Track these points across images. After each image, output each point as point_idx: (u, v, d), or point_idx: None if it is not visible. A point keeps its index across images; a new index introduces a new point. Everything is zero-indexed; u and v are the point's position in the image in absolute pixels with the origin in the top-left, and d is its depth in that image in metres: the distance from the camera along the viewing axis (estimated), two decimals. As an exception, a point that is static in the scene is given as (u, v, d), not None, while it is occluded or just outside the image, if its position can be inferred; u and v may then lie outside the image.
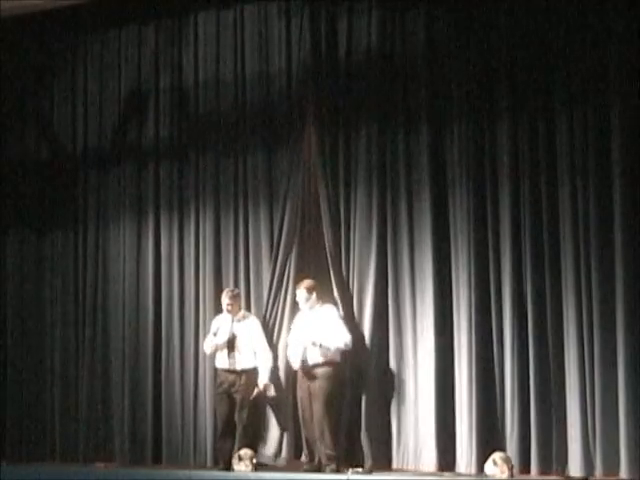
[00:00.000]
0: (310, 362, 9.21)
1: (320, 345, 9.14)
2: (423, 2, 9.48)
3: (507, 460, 8.49)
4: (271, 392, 9.60)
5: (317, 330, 9.23)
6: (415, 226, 9.39)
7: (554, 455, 8.58)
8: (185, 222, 10.50)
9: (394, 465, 9.21)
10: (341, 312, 9.45)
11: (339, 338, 9.22)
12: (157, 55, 10.81)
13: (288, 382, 9.69)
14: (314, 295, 9.42)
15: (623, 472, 8.20)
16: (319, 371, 9.19)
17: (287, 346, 9.57)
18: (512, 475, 8.43)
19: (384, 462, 9.22)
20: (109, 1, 10.86)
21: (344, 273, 9.64)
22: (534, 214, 8.87)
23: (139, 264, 10.69)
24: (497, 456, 8.49)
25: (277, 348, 9.77)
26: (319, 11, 9.97)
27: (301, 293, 9.48)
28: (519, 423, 8.72)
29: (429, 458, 9.03)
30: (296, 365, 9.35)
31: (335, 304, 9.51)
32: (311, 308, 9.44)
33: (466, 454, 8.88)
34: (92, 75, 11.14)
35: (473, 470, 8.78)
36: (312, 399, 9.19)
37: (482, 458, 8.67)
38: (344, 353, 9.27)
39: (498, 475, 8.40)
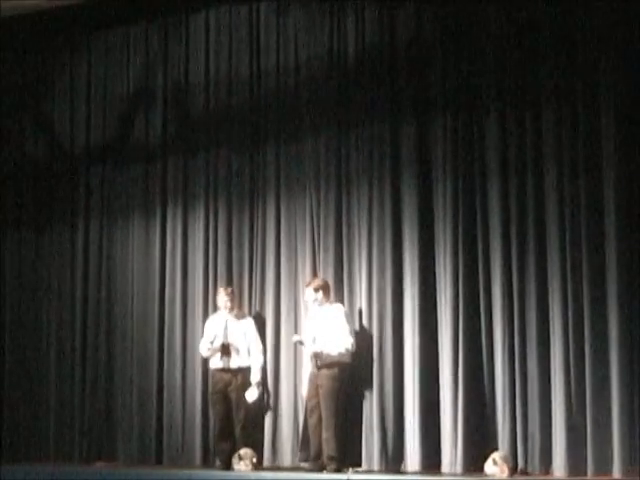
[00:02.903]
0: (318, 363, 9.21)
1: (322, 353, 9.16)
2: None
3: (507, 460, 8.49)
4: (259, 392, 9.62)
5: (324, 331, 9.24)
6: (401, 223, 9.40)
7: (540, 455, 8.57)
8: (196, 220, 10.47)
9: (393, 465, 9.22)
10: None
11: (343, 341, 9.21)
12: (166, 51, 10.82)
13: (290, 382, 9.75)
14: (321, 294, 9.40)
15: (616, 471, 8.19)
16: (328, 372, 9.18)
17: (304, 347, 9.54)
18: (512, 475, 8.45)
19: (384, 462, 9.22)
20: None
21: (335, 273, 9.67)
22: (521, 210, 8.85)
23: (148, 263, 10.67)
24: (497, 456, 8.49)
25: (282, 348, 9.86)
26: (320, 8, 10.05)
27: (309, 292, 9.47)
28: (510, 424, 8.70)
29: (421, 459, 9.01)
30: (307, 365, 9.39)
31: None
32: (320, 306, 9.41)
33: (454, 454, 8.85)
34: (96, 72, 11.14)
35: (459, 469, 8.81)
36: (320, 400, 9.17)
37: (474, 458, 8.72)
38: (352, 354, 9.27)
39: (498, 475, 8.39)
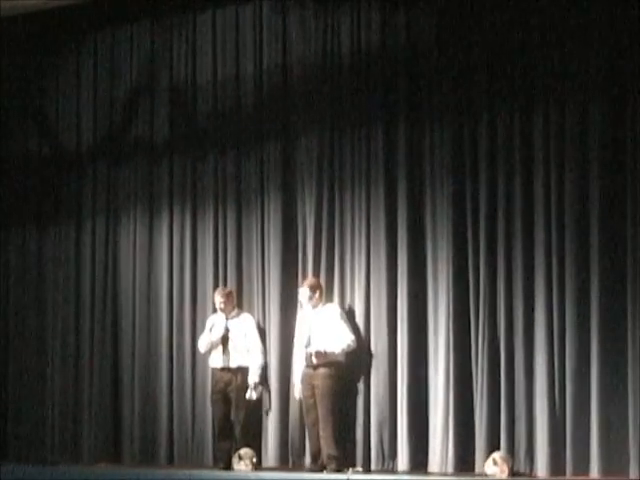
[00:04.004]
0: (314, 362, 9.16)
1: (325, 352, 9.11)
2: (404, 1, 9.48)
3: (507, 460, 8.44)
4: (258, 392, 9.59)
5: (321, 331, 9.20)
6: (393, 225, 9.36)
7: (525, 455, 8.57)
8: (205, 220, 10.41)
9: (383, 465, 9.17)
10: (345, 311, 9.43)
11: (343, 339, 9.17)
12: (171, 50, 10.78)
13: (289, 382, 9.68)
14: (317, 294, 9.36)
15: (595, 471, 8.18)
16: (323, 371, 9.14)
17: (294, 348, 9.54)
18: (512, 474, 8.41)
19: (374, 462, 9.19)
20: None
21: (328, 274, 9.63)
22: (509, 210, 8.85)
23: (155, 263, 10.61)
24: (497, 456, 8.45)
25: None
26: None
27: (304, 291, 9.42)
28: (489, 423, 8.72)
29: (411, 458, 8.98)
30: (301, 366, 9.32)
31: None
32: (314, 307, 9.38)
33: (444, 454, 8.82)
34: (102, 71, 11.12)
35: (450, 469, 8.79)
36: (317, 399, 9.14)
37: (463, 458, 8.73)
38: (348, 353, 9.23)
39: (498, 475, 8.34)
